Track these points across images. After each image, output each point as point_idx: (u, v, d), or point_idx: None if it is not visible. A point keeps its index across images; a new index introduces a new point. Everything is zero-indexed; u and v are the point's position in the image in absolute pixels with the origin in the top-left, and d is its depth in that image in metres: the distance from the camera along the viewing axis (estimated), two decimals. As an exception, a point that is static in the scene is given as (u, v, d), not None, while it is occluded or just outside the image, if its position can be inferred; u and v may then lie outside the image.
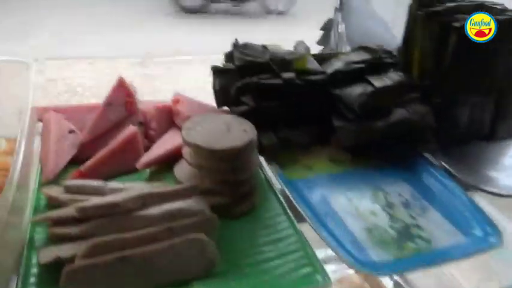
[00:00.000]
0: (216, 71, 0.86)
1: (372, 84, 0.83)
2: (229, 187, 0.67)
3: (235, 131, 0.68)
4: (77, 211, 0.57)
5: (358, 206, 0.72)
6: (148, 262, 0.54)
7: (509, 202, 0.77)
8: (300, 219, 0.68)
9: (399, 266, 0.64)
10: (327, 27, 2.47)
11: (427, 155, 0.84)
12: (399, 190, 0.77)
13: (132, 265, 0.53)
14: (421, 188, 0.78)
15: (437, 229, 0.68)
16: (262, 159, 0.78)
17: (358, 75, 0.87)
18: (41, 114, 0.80)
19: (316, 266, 0.57)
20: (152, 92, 2.10)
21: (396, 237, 0.66)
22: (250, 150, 0.67)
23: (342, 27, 2.35)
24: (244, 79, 0.81)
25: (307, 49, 0.92)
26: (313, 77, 0.83)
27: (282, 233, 0.64)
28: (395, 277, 1.24)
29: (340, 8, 2.36)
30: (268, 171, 0.77)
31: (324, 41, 2.49)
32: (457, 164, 0.82)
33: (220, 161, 0.65)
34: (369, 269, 0.61)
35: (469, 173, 0.80)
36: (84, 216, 0.58)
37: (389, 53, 0.92)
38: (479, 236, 0.66)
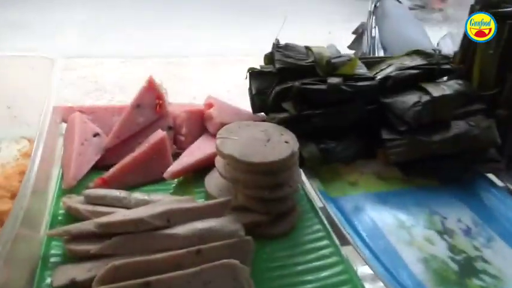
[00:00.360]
0: (253, 73, 0.79)
1: (429, 93, 0.74)
2: (267, 204, 0.59)
3: (275, 142, 0.60)
4: (97, 227, 0.51)
5: (411, 231, 0.63)
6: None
7: None
8: (344, 241, 0.60)
9: None
10: (359, 31, 2.38)
11: (489, 175, 0.74)
12: (458, 215, 0.67)
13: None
14: (483, 212, 0.68)
15: (506, 263, 0.58)
16: (302, 173, 0.70)
17: (412, 82, 0.78)
18: (65, 115, 0.75)
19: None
20: (184, 93, 2.05)
21: (458, 272, 0.56)
22: (292, 164, 0.59)
23: (375, 31, 2.25)
24: (284, 83, 0.74)
25: (338, 52, 0.83)
26: (361, 83, 0.75)
27: (325, 260, 0.56)
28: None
29: (374, 12, 2.26)
30: (309, 186, 0.69)
31: (355, 45, 2.40)
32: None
33: (258, 176, 0.57)
34: None
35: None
36: (105, 233, 0.51)
37: (446, 58, 0.82)
38: None
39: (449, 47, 2.06)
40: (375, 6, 2.29)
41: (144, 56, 2.88)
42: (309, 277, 0.54)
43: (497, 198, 0.70)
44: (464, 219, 0.66)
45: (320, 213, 0.64)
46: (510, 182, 0.72)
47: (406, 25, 2.13)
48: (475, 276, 0.56)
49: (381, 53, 2.06)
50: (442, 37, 2.28)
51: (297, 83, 0.71)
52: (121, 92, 2.40)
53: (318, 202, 0.67)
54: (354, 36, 2.44)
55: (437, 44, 2.16)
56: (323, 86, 0.72)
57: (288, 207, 0.61)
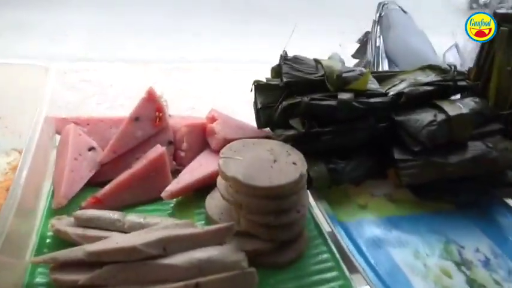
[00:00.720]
0: (259, 86, 0.75)
1: (444, 111, 0.70)
2: (272, 231, 0.55)
3: (282, 163, 0.56)
4: (87, 256, 0.46)
5: (426, 261, 0.59)
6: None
7: None
8: (354, 270, 0.55)
9: None
10: (364, 40, 2.35)
11: (508, 200, 0.70)
12: (476, 243, 0.63)
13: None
14: (502, 242, 0.64)
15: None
16: (309, 195, 0.65)
17: (426, 99, 0.74)
18: (59, 126, 0.70)
19: None
20: (186, 99, 2.01)
21: (480, 310, 0.52)
22: (299, 188, 0.55)
23: (379, 41, 2.22)
24: (292, 98, 0.69)
25: (342, 61, 0.79)
26: (373, 100, 0.71)
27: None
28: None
29: (379, 21, 2.24)
30: (316, 210, 0.65)
31: (359, 53, 2.37)
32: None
33: (263, 200, 0.53)
34: None
35: None
36: (96, 261, 0.47)
37: (462, 74, 0.78)
38: None
39: (455, 59, 2.03)
40: (380, 15, 2.27)
41: (148, 61, 2.85)
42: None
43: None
44: (482, 248, 0.62)
45: (329, 240, 0.60)
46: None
47: (411, 35, 2.11)
48: (499, 316, 0.51)
49: (385, 63, 2.04)
50: (448, 48, 2.25)
51: (305, 98, 0.67)
52: (123, 97, 2.36)
53: (326, 226, 0.63)
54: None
55: (443, 55, 2.13)
56: (333, 102, 0.68)
57: (294, 234, 0.56)
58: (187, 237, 0.50)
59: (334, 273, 0.54)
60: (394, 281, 0.54)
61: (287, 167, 0.55)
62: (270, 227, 0.54)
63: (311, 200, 0.65)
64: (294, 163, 0.56)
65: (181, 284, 0.45)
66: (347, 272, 0.54)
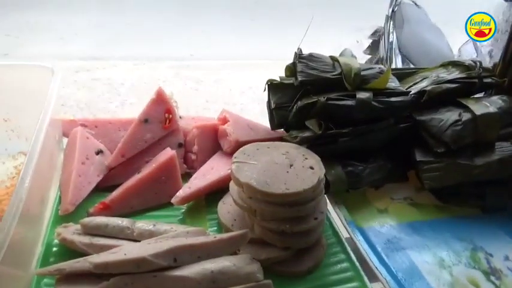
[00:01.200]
0: (273, 85, 0.72)
1: (470, 110, 0.66)
2: (288, 238, 0.52)
3: (298, 168, 0.53)
4: (94, 268, 0.44)
5: (452, 271, 0.55)
6: None
7: None
8: (375, 279, 0.52)
9: None
10: (376, 36, 2.31)
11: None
12: (505, 251, 0.59)
13: None
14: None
15: None
16: (327, 200, 0.62)
17: (450, 97, 0.70)
18: (66, 129, 0.68)
19: None
20: (195, 100, 1.98)
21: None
22: (317, 194, 0.52)
23: (392, 36, 2.18)
24: (307, 98, 0.66)
25: (354, 57, 0.75)
26: (393, 99, 0.67)
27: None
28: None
29: (392, 16, 2.19)
30: (334, 215, 0.62)
31: (372, 49, 2.32)
32: None
33: (278, 207, 0.50)
34: None
35: None
36: (104, 273, 0.45)
37: (489, 70, 0.74)
38: None
39: (471, 54, 1.97)
40: (393, 10, 2.23)
41: (158, 58, 2.84)
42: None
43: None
44: (512, 256, 0.58)
45: (347, 247, 0.56)
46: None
47: (424, 30, 2.07)
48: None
49: (399, 59, 1.99)
50: (464, 43, 2.19)
51: (321, 98, 0.64)
52: (133, 95, 2.35)
53: (344, 232, 0.60)
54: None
55: (459, 50, 2.07)
56: (351, 102, 0.64)
57: (311, 241, 0.53)
58: (199, 247, 0.48)
59: (354, 284, 0.51)
60: (417, 290, 0.51)
61: (304, 172, 0.52)
62: (286, 235, 0.51)
63: (329, 205, 0.62)
64: (311, 167, 0.53)
65: (192, 297, 0.42)
66: (367, 282, 0.51)
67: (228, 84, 2.50)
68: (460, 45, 2.13)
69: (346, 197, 0.65)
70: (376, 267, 0.53)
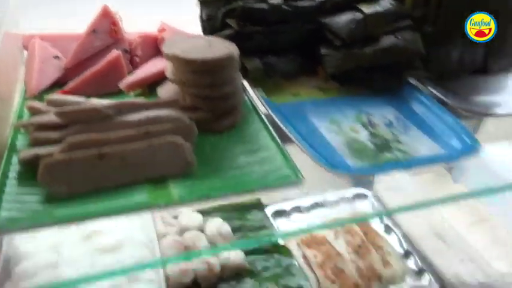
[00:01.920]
0: (203, 1, 0.85)
1: (362, 11, 0.82)
2: (211, 102, 0.67)
3: (216, 47, 0.67)
4: (57, 115, 0.58)
5: (340, 125, 0.72)
6: (126, 160, 0.55)
7: (496, 123, 0.77)
8: (283, 139, 0.68)
9: (373, 169, 0.66)
10: None
11: (415, 83, 0.84)
12: (384, 113, 0.77)
13: (110, 162, 0.54)
14: (406, 111, 0.78)
15: (417, 143, 0.69)
16: (247, 84, 0.78)
17: (349, 3, 0.86)
18: (26, 42, 0.80)
19: (293, 167, 0.58)
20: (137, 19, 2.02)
21: (375, 149, 0.66)
22: (231, 65, 0.67)
23: None
24: (230, 4, 0.80)
25: None
26: (301, 4, 0.82)
27: (261, 144, 0.65)
28: (386, 221, 1.25)
29: None
30: (253, 95, 0.77)
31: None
32: (446, 91, 0.81)
33: (200, 75, 0.65)
34: (342, 170, 0.61)
35: (455, 98, 0.79)
36: (65, 121, 0.58)
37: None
38: (456, 148, 0.66)
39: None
40: None
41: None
42: (248, 156, 0.62)
43: (418, 99, 0.79)
44: (388, 116, 0.76)
45: (262, 116, 0.72)
46: (431, 86, 0.81)
47: None
48: (388, 151, 0.66)
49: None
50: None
51: (240, 3, 0.78)
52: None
53: (261, 107, 0.75)
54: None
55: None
56: (265, 5, 0.79)
57: (231, 105, 0.69)
58: (141, 104, 0.62)
59: (263, 133, 0.67)
60: (311, 135, 0.68)
61: (221, 48, 0.67)
62: (209, 100, 0.67)
63: (249, 88, 0.78)
64: (227, 47, 0.68)
65: (134, 130, 0.57)
66: (274, 133, 0.67)
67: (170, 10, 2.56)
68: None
69: (264, 84, 0.80)
70: (283, 124, 0.69)
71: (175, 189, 0.54)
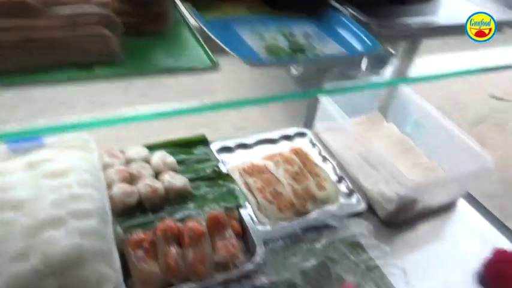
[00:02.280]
0: None
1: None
2: (140, 7, 0.72)
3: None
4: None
5: (262, 35, 0.79)
6: (53, 46, 0.59)
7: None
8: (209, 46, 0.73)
9: (284, 61, 0.74)
10: None
11: (340, 7, 0.91)
12: (305, 28, 0.84)
13: (37, 45, 0.58)
14: (326, 27, 0.85)
15: (327, 48, 0.77)
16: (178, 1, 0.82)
17: None
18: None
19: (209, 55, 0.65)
20: None
21: (290, 52, 0.74)
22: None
23: None
24: None
25: None
26: None
27: (187, 48, 0.71)
28: (323, 153, 1.35)
29: None
30: (184, 10, 0.82)
31: None
32: (367, 15, 0.89)
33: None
34: (256, 62, 0.68)
35: (374, 20, 0.87)
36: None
37: None
38: (359, 49, 0.76)
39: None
40: None
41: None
42: (175, 58, 0.68)
43: (340, 20, 0.86)
44: (308, 30, 0.83)
45: (191, 25, 0.77)
46: (355, 12, 0.89)
47: None
48: (302, 53, 0.73)
49: None
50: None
51: None
52: None
53: (192, 21, 0.80)
54: None
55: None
56: None
57: (160, 10, 0.74)
58: (70, 1, 0.66)
59: (191, 41, 0.73)
60: (234, 40, 0.74)
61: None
62: (137, 4, 0.72)
63: (179, 3, 0.82)
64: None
65: (61, 21, 0.61)
66: (200, 37, 0.73)
67: None
68: None
69: (196, 2, 0.85)
70: (210, 33, 0.74)
71: (98, 70, 0.59)
